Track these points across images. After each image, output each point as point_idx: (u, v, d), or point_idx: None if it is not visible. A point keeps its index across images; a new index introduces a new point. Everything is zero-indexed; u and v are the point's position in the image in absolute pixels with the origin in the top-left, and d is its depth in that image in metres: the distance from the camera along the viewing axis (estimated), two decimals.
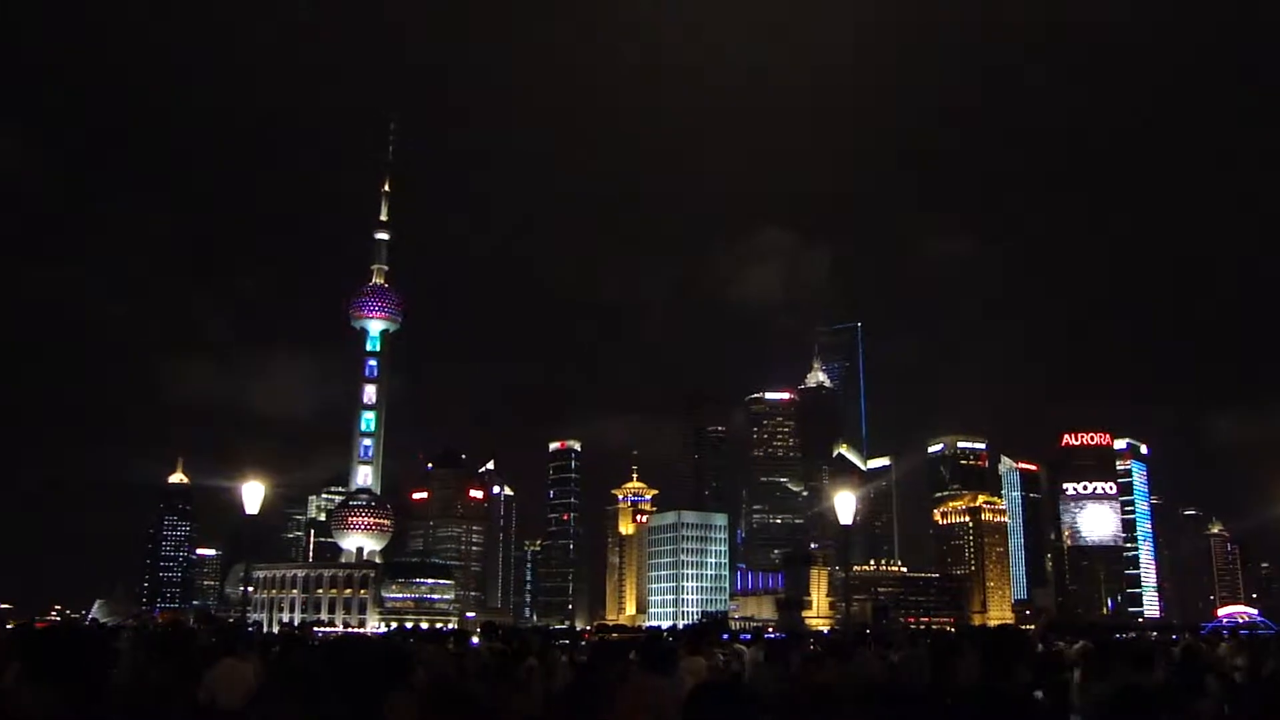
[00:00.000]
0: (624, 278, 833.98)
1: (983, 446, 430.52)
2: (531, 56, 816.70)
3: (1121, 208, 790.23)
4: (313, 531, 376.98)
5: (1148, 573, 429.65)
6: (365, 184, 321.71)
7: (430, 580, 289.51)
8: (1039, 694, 15.17)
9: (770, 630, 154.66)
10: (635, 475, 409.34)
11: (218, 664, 15.43)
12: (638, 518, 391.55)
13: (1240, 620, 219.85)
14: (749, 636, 67.34)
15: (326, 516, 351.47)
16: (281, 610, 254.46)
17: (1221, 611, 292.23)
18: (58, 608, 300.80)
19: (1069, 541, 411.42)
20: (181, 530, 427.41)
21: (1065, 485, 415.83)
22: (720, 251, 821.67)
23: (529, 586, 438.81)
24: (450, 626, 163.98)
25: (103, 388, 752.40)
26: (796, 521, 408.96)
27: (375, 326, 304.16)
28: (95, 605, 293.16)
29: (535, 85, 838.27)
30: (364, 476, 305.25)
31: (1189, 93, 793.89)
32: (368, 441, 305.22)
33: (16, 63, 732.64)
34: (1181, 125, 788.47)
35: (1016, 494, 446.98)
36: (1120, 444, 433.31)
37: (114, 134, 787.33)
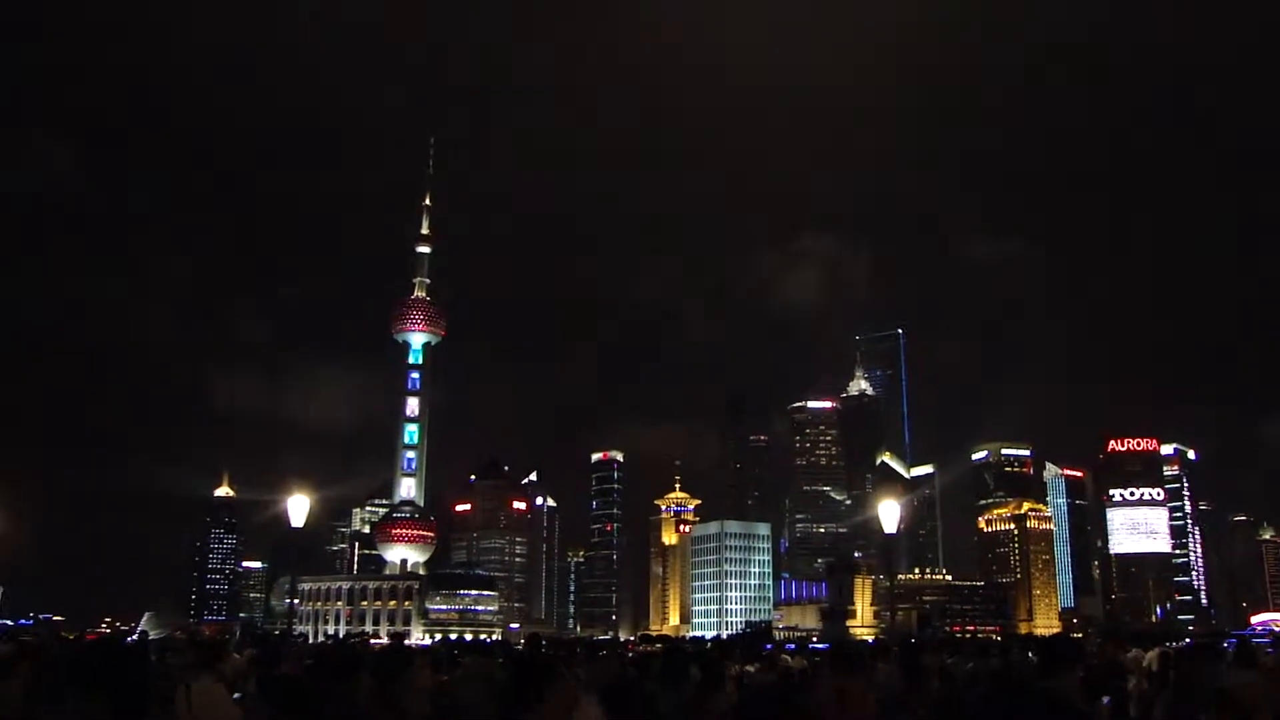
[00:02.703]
0: (666, 286, 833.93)
1: (1027, 453, 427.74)
2: (575, 59, 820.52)
3: (1171, 209, 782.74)
4: (357, 544, 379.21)
5: (1197, 580, 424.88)
6: (410, 195, 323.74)
7: (474, 592, 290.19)
8: (1105, 699, 15.08)
9: (814, 640, 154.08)
10: (678, 485, 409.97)
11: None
12: (681, 528, 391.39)
13: (1275, 628, 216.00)
14: (793, 646, 67.14)
15: (370, 529, 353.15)
16: (326, 622, 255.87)
17: (1255, 619, 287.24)
18: (107, 620, 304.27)
19: (1116, 549, 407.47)
20: (228, 543, 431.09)
21: (1112, 491, 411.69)
22: (762, 258, 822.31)
23: (572, 597, 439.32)
24: (495, 638, 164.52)
25: (150, 401, 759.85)
26: (840, 530, 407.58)
27: (417, 339, 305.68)
28: (144, 618, 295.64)
29: (578, 90, 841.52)
30: (407, 489, 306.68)
31: (1242, 91, 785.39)
32: (411, 454, 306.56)
33: (60, 70, 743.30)
34: (1229, 125, 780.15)
35: (1062, 501, 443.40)
36: (1168, 449, 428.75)
37: (157, 143, 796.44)
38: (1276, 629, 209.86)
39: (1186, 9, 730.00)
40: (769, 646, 52.34)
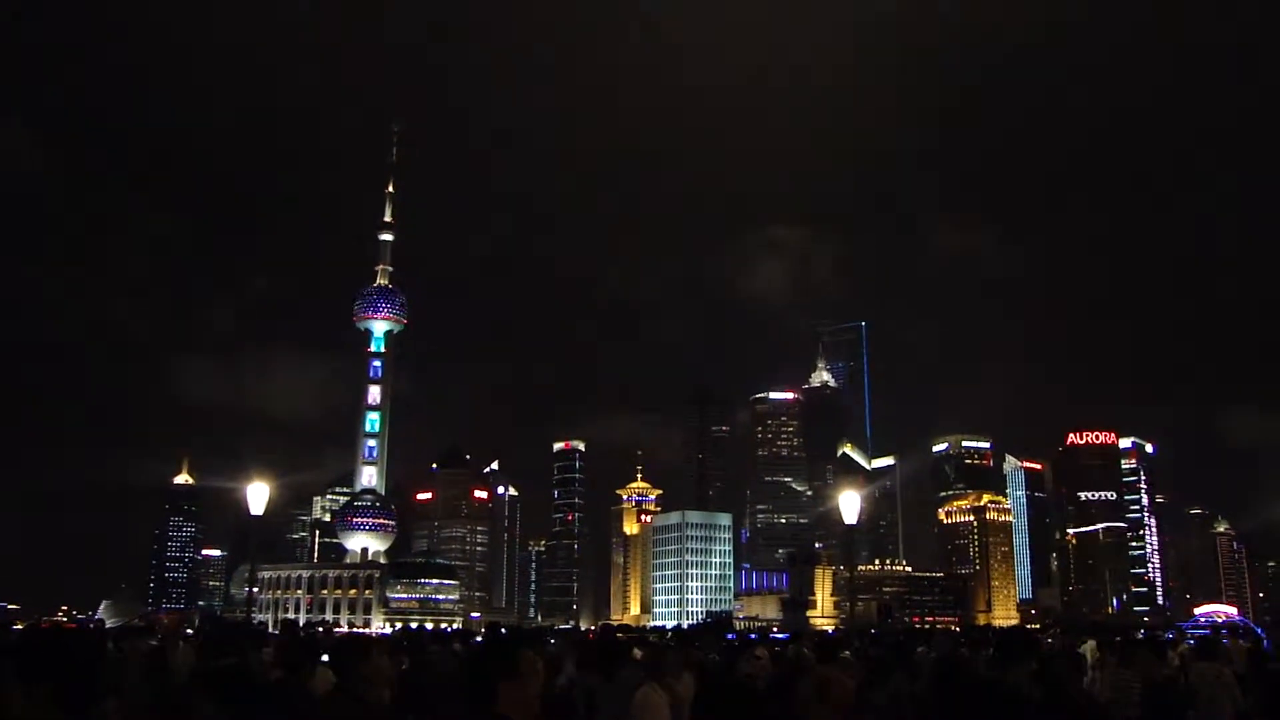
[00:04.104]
0: (628, 277, 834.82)
1: (987, 445, 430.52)
2: (533, 57, 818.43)
3: (1128, 206, 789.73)
4: (318, 532, 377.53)
5: (1153, 572, 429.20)
6: (371, 184, 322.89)
7: (435, 580, 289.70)
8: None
9: (775, 630, 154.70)
10: (639, 475, 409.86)
11: None
12: (642, 518, 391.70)
13: (1218, 619, 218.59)
14: (755, 636, 67.44)
15: (331, 517, 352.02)
16: (286, 611, 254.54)
17: (1199, 610, 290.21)
18: (64, 609, 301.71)
19: (1074, 541, 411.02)
20: (187, 531, 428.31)
21: (1070, 484, 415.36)
22: (724, 250, 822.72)
23: (533, 587, 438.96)
24: (455, 627, 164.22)
25: (107, 389, 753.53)
26: (801, 521, 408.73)
27: (379, 327, 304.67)
28: (101, 606, 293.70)
29: (538, 86, 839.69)
30: (369, 477, 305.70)
31: (1193, 91, 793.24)
32: (372, 442, 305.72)
33: (17, 62, 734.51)
34: (1186, 123, 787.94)
35: (1021, 493, 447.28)
36: (1125, 443, 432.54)
37: (116, 134, 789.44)
38: (1218, 620, 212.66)
39: (1145, 9, 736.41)
40: (731, 636, 52.54)
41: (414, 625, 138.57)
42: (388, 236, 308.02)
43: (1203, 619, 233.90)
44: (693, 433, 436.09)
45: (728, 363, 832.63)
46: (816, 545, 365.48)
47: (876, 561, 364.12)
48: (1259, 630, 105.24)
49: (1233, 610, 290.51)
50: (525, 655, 6.18)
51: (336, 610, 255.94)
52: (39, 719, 5.44)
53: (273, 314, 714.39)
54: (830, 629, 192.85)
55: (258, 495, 37.03)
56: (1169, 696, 15.96)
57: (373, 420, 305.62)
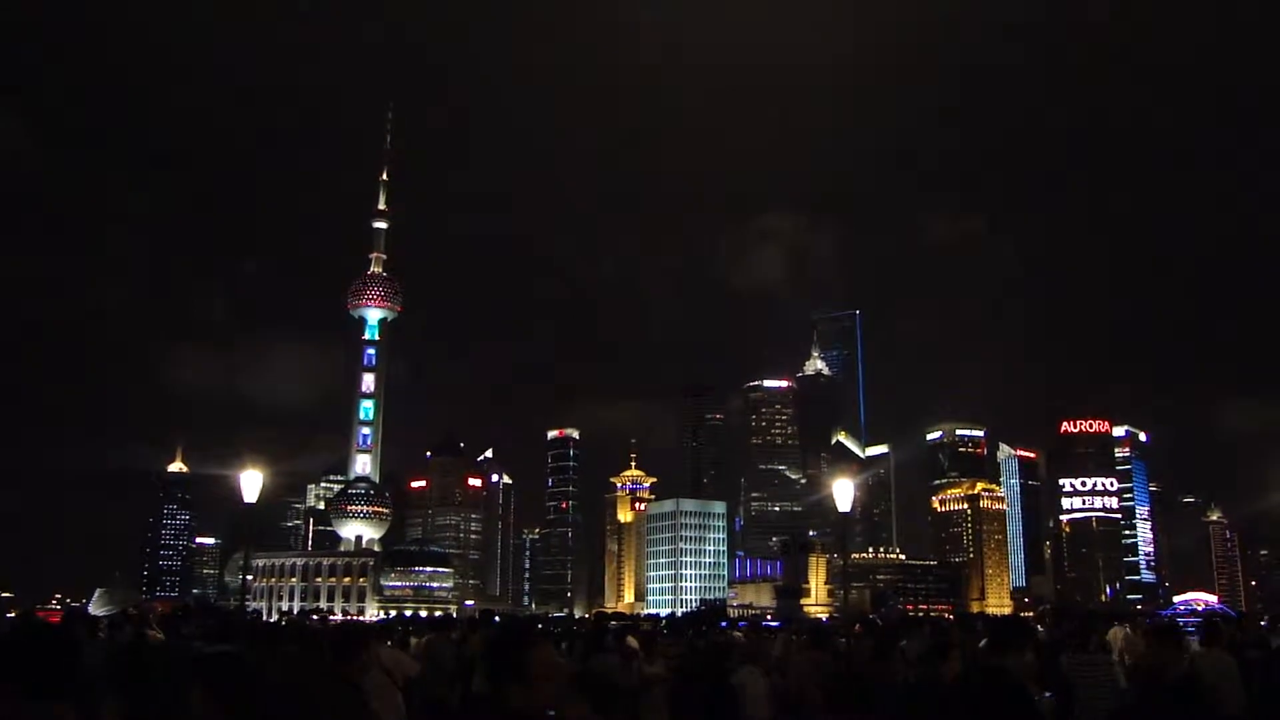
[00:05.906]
0: (624, 267, 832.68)
1: (981, 434, 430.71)
2: (532, 51, 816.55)
3: (1123, 198, 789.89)
4: (312, 520, 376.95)
5: (1146, 561, 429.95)
6: (365, 173, 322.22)
7: (429, 568, 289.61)
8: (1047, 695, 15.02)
9: (769, 618, 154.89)
10: (634, 463, 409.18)
11: None
12: (636, 505, 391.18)
13: (1198, 606, 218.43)
14: (745, 624, 67.52)
15: (325, 505, 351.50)
16: (280, 599, 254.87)
17: (1178, 598, 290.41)
18: (58, 596, 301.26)
19: (1067, 529, 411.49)
20: (181, 519, 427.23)
21: (1064, 472, 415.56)
22: (722, 242, 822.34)
23: (527, 574, 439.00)
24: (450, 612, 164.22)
25: (101, 378, 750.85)
26: (795, 509, 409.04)
27: (374, 315, 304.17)
28: (95, 594, 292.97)
29: (535, 80, 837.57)
30: (363, 465, 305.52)
31: (1191, 89, 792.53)
32: (366, 430, 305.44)
33: (16, 57, 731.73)
34: (1182, 120, 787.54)
35: (1015, 481, 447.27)
36: (1119, 431, 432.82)
37: (112, 126, 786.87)
38: (1198, 607, 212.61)
39: (1145, 6, 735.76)
40: (724, 624, 52.65)
41: (408, 613, 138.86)
42: (382, 224, 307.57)
43: (1182, 606, 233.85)
44: (687, 421, 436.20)
45: (722, 351, 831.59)
46: (811, 533, 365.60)
47: (870, 549, 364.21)
48: (1236, 616, 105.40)
49: (1213, 598, 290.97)
50: (539, 656, 5.75)
51: (331, 598, 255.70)
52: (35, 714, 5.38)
53: (267, 301, 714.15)
54: (824, 617, 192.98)
55: (252, 483, 36.88)
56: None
57: (367, 408, 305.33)
